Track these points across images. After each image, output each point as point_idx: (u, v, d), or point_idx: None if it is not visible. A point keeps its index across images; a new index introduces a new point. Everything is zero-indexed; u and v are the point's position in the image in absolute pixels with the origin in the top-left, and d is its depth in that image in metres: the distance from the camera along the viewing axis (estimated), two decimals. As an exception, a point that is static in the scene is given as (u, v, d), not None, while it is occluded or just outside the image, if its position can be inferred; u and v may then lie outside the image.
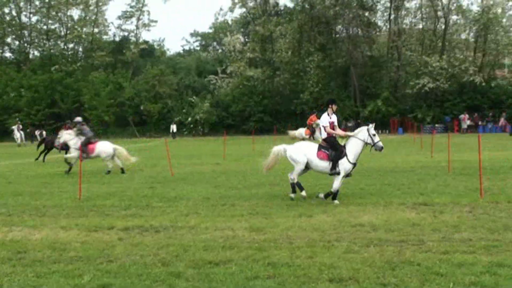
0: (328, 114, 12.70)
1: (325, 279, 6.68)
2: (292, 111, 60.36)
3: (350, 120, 56.68)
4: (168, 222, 10.39)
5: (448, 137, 22.31)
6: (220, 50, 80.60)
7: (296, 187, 12.90)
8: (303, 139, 31.56)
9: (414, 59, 59.43)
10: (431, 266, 6.98)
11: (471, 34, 61.61)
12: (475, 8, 59.61)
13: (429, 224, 9.51)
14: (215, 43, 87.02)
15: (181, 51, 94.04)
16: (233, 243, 8.58)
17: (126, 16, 74.20)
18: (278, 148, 13.28)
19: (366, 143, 12.56)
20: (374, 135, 12.55)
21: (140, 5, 73.31)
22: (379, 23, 63.84)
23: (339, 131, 12.98)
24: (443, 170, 18.02)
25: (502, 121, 54.04)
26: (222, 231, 9.48)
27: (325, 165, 12.47)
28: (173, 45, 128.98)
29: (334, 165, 12.32)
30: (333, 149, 12.45)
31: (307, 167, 12.86)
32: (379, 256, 7.56)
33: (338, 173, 12.33)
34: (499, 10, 57.42)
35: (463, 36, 62.86)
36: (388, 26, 62.34)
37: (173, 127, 61.25)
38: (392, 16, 61.08)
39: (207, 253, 7.99)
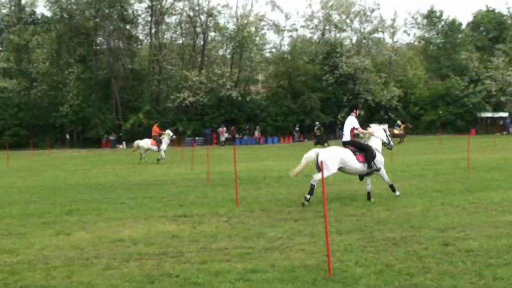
0: (355, 117, 13.61)
1: (82, 298, 6.47)
2: (51, 124, 57.87)
3: (111, 133, 56.12)
4: None
5: (207, 150, 23.07)
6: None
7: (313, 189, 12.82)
8: (148, 149, 29.85)
9: (174, 73, 60.81)
10: (189, 277, 7.08)
11: (228, 50, 64.82)
12: (231, 26, 62.83)
13: (188, 235, 9.69)
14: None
15: None
16: (-19, 268, 7.92)
17: None
18: (309, 154, 13.20)
19: (383, 143, 13.92)
20: (389, 135, 14.16)
21: None
22: (141, 36, 64.22)
23: (365, 131, 13.98)
24: (202, 181, 18.54)
25: (256, 133, 57.55)
26: (-31, 255, 8.70)
27: (363, 167, 13.14)
28: None
29: (370, 164, 13.10)
30: (364, 150, 13.25)
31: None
32: (138, 270, 7.50)
33: (378, 170, 13.37)
34: (253, 29, 61.13)
35: (221, 52, 65.93)
36: (149, 40, 62.90)
37: None
38: (153, 30, 61.81)
39: (-50, 281, 7.27)
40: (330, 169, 12.71)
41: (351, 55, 60.88)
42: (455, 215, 10.69)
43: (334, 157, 12.85)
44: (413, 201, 12.65)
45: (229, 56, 64.92)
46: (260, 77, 67.48)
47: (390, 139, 14.15)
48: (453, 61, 65.94)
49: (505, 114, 61.84)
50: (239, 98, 58.18)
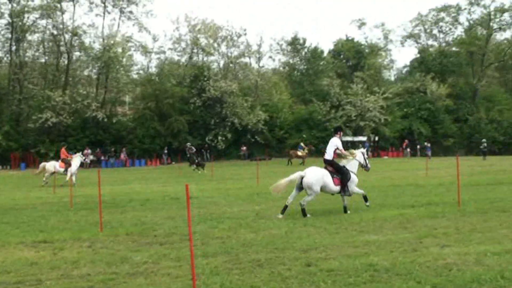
0: (338, 139, 14.61)
1: None
2: None
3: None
4: None
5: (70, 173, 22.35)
6: None
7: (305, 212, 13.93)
8: (53, 172, 27.81)
9: (36, 93, 58.41)
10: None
11: (94, 70, 63.28)
12: (97, 46, 61.36)
13: (48, 262, 9.29)
14: None
15: None
16: None
17: None
18: (294, 176, 14.13)
19: (361, 165, 15.00)
20: (367, 158, 15.32)
21: None
22: (0, 54, 61.12)
23: (346, 152, 14.92)
24: (65, 205, 17.92)
25: (123, 156, 56.52)
26: None
27: (338, 189, 14.25)
28: None
29: (344, 187, 14.19)
30: (340, 173, 14.29)
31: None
32: (-8, 301, 7.10)
33: (350, 195, 14.49)
34: (120, 50, 60.13)
35: (86, 72, 64.26)
36: (9, 58, 60.05)
37: None
38: (14, 48, 59.11)
39: None
40: (315, 191, 13.93)
41: (218, 79, 61.53)
42: (317, 236, 11.05)
43: (318, 180, 13.94)
44: (277, 223, 12.93)
45: (95, 76, 63.31)
46: (127, 98, 66.40)
47: (367, 162, 15.31)
48: (315, 86, 68.59)
49: (364, 138, 65.01)
50: (105, 120, 56.93)
